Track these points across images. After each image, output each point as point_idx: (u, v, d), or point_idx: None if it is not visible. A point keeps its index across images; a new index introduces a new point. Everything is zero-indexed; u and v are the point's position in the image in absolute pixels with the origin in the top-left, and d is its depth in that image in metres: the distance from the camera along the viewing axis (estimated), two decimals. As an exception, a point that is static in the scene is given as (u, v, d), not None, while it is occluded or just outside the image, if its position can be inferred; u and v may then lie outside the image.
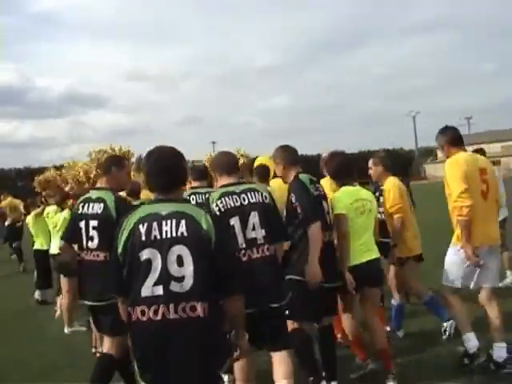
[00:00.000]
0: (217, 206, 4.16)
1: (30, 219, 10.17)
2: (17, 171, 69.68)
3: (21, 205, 15.64)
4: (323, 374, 4.99)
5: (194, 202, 5.31)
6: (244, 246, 4.15)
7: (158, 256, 3.03)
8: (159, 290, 3.00)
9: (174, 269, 3.02)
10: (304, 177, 5.03)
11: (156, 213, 3.11)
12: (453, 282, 5.35)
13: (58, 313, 8.85)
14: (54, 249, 8.38)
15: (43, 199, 9.98)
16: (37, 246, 10.17)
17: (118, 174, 4.93)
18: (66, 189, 9.01)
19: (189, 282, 3.01)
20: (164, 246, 3.04)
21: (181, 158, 3.38)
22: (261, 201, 4.26)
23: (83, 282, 5.05)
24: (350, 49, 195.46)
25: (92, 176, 7.83)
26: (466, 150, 5.49)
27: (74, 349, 7.25)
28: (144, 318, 3.02)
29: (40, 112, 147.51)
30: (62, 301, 8.18)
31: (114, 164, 4.97)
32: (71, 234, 4.97)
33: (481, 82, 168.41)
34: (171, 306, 2.98)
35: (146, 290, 3.02)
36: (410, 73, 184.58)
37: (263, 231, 4.20)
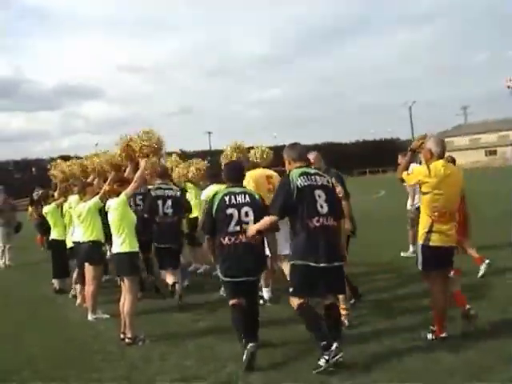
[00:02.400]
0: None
1: (50, 209, 10.17)
2: (14, 163, 69.74)
3: None
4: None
5: None
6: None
7: (236, 212, 5.99)
8: (238, 228, 5.97)
9: (243, 218, 5.99)
10: (295, 172, 5.78)
11: (232, 191, 6.13)
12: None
13: (79, 301, 9.06)
14: (78, 237, 8.53)
15: (62, 189, 10.10)
16: (54, 236, 10.24)
17: None
18: (90, 178, 9.09)
19: (251, 224, 5.96)
20: (239, 206, 6.02)
21: (242, 165, 7.04)
22: None
23: None
24: (346, 38, 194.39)
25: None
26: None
27: (101, 335, 7.43)
28: (230, 242, 5.97)
29: (32, 105, 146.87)
30: (85, 288, 8.33)
31: None
32: None
33: (477, 72, 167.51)
34: (244, 235, 5.94)
35: (231, 229, 5.96)
36: (406, 62, 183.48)
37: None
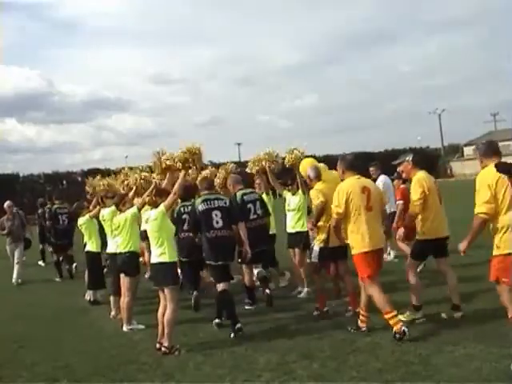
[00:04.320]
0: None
1: (84, 221, 10.23)
2: (45, 176, 70.65)
3: None
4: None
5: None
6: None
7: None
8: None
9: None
10: (199, 199, 8.15)
11: (186, 204, 8.76)
12: None
13: (113, 313, 9.14)
14: (113, 248, 8.66)
15: (97, 201, 10.20)
16: (89, 248, 10.29)
17: None
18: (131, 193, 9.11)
19: None
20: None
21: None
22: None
23: None
24: (375, 47, 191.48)
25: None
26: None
27: (136, 345, 7.48)
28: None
29: (63, 117, 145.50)
30: (121, 299, 8.40)
31: None
32: None
33: (505, 78, 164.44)
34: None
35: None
36: (435, 70, 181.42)
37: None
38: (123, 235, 8.24)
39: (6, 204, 14.70)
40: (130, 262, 8.25)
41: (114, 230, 8.54)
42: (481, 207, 5.64)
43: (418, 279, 7.33)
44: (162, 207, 7.15)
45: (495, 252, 5.67)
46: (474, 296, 8.08)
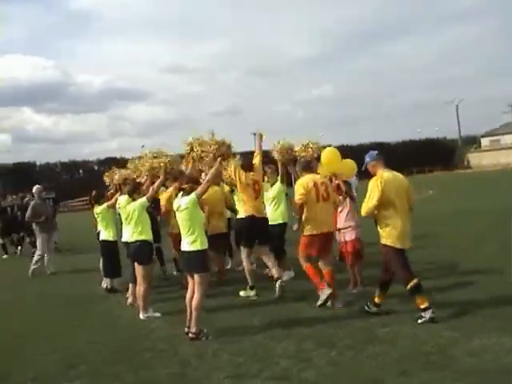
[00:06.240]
0: None
1: (101, 210, 10.25)
2: (62, 164, 71.13)
3: None
4: None
5: None
6: None
7: None
8: None
9: None
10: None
11: None
12: None
13: (130, 300, 9.21)
14: (127, 237, 8.66)
15: (116, 189, 10.27)
16: (105, 237, 10.30)
17: None
18: (142, 180, 9.21)
19: None
20: None
21: None
22: None
23: None
24: (390, 38, 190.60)
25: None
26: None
27: (153, 333, 7.50)
28: None
29: (79, 107, 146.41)
30: (137, 287, 8.43)
31: None
32: None
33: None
34: None
35: None
36: (450, 61, 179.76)
37: None
38: (132, 225, 8.33)
39: (36, 188, 14.27)
40: (141, 251, 8.30)
41: (125, 219, 8.63)
42: (298, 197, 8.05)
43: (250, 264, 9.21)
44: (193, 195, 7.11)
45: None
46: (489, 288, 8.04)
